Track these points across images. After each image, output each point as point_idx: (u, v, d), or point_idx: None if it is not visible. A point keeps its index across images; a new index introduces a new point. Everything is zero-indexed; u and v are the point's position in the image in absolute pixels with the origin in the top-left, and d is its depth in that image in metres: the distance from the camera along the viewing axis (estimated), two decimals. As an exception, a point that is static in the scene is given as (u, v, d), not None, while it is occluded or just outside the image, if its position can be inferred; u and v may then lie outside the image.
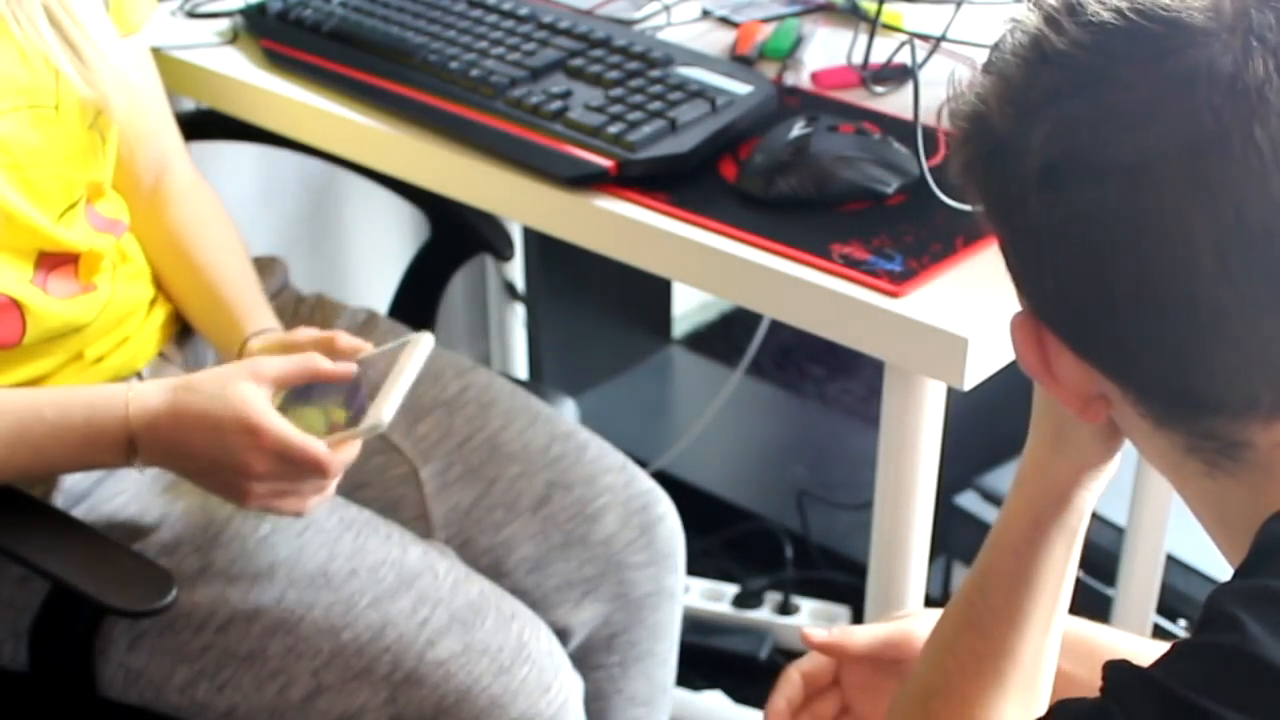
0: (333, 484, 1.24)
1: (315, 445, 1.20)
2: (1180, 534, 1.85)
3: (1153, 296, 0.73)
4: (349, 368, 1.26)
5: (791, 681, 1.07)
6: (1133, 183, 0.71)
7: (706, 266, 1.27)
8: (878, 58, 1.52)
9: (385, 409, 1.22)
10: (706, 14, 1.65)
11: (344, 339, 1.31)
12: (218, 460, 1.21)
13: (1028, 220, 0.76)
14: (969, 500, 2.04)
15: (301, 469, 1.21)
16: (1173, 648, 0.73)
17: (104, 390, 1.24)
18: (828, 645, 1.07)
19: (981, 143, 0.78)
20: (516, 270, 2.20)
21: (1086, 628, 1.04)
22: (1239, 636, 0.70)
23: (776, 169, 1.30)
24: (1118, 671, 0.74)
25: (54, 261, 1.31)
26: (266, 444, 1.19)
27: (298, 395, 1.27)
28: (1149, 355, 0.75)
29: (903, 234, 1.25)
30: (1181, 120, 0.70)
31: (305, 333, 1.34)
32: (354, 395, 1.26)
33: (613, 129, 1.35)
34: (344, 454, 1.22)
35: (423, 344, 1.28)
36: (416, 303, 1.74)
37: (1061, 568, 0.93)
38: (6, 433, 1.21)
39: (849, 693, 1.08)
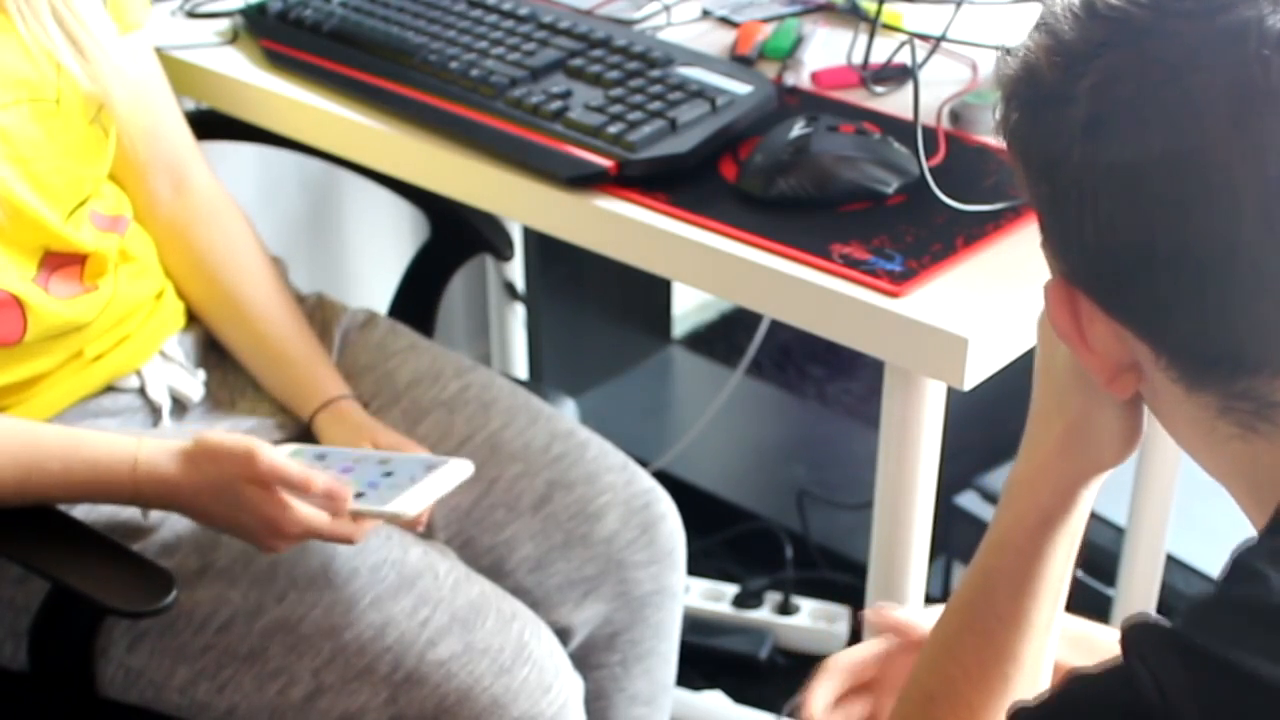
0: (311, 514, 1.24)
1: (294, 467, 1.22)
2: (1180, 534, 1.85)
3: (1194, 250, 0.73)
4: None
5: (837, 672, 1.05)
6: (1178, 132, 0.71)
7: (706, 266, 1.27)
8: (878, 58, 1.52)
9: (413, 502, 1.24)
10: (706, 14, 1.66)
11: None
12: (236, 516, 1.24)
13: (1071, 172, 0.76)
14: (969, 500, 2.04)
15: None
16: (1193, 602, 0.73)
17: (109, 457, 1.25)
18: (900, 625, 1.05)
19: (1028, 95, 0.78)
20: (516, 270, 2.20)
21: (1088, 626, 1.04)
22: (1262, 589, 0.70)
23: (776, 169, 1.30)
24: (1137, 629, 0.73)
25: (59, 262, 1.31)
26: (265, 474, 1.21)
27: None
28: (1188, 312, 0.75)
29: (903, 234, 1.25)
30: (1230, 71, 0.70)
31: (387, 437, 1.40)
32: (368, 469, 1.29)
33: (613, 129, 1.35)
34: (327, 482, 1.23)
35: (462, 468, 1.29)
36: (416, 303, 1.74)
37: (1065, 568, 0.93)
38: (11, 480, 1.23)
39: (883, 698, 1.06)
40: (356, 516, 1.24)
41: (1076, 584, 1.95)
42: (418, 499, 1.24)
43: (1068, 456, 0.90)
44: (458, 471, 1.28)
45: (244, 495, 1.21)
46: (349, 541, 1.26)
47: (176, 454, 1.23)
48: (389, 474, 1.28)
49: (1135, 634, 0.73)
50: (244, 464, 1.20)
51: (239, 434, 1.25)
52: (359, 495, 1.24)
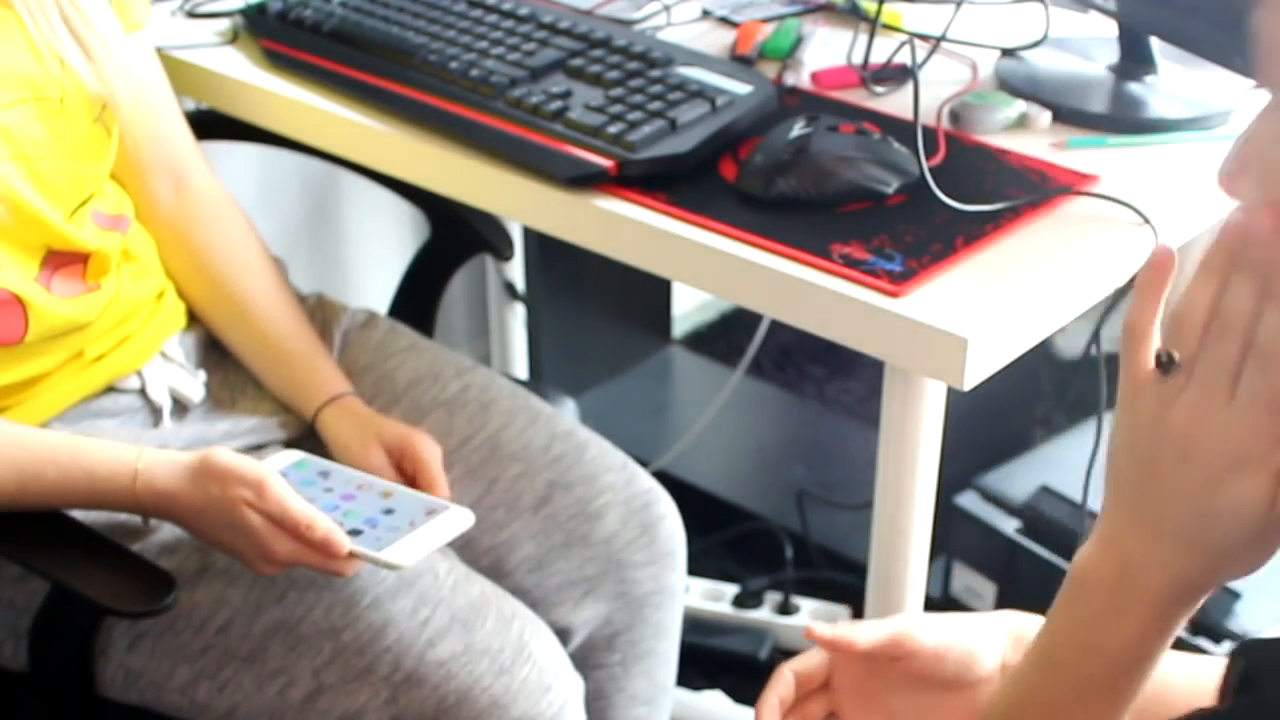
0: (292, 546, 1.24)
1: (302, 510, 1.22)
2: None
3: None
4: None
5: (784, 679, 1.06)
6: None
7: (706, 266, 1.27)
8: (878, 58, 1.52)
9: (408, 553, 1.24)
10: (706, 14, 1.66)
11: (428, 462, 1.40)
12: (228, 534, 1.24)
13: None
14: (969, 500, 2.04)
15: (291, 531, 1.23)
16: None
17: (107, 467, 1.24)
18: (835, 642, 1.05)
19: None
20: (516, 270, 2.20)
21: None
22: None
23: (776, 169, 1.30)
24: (1253, 651, 0.67)
25: (61, 261, 1.31)
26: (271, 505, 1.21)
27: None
28: None
29: (903, 234, 1.25)
30: None
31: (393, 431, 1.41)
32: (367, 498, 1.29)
33: (613, 129, 1.35)
34: (325, 532, 1.22)
35: (463, 518, 1.29)
36: (416, 303, 1.74)
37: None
38: (9, 486, 1.23)
39: (839, 697, 1.07)
40: (350, 555, 1.24)
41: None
42: (413, 549, 1.24)
43: (1191, 558, 0.74)
44: (458, 522, 1.28)
45: (243, 519, 1.21)
46: (338, 575, 1.26)
47: (179, 468, 1.23)
48: (389, 511, 1.28)
49: (1252, 656, 0.67)
50: (253, 491, 1.21)
51: (250, 456, 1.25)
52: (355, 533, 1.24)
